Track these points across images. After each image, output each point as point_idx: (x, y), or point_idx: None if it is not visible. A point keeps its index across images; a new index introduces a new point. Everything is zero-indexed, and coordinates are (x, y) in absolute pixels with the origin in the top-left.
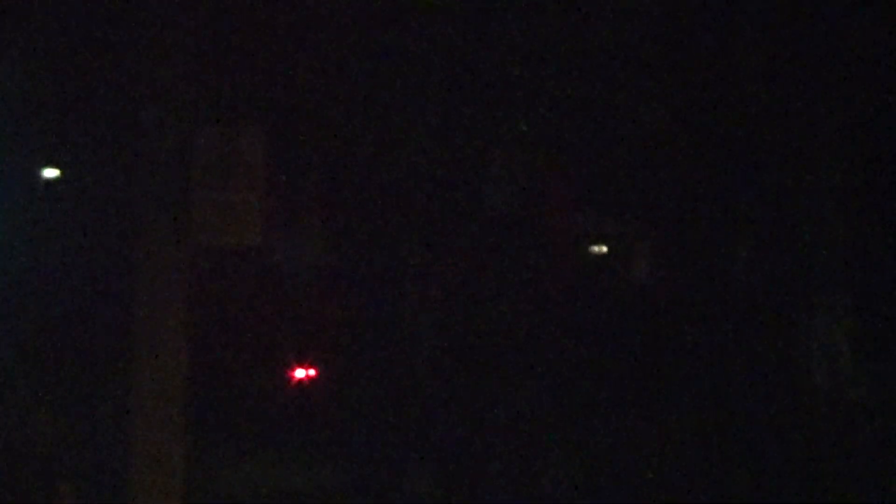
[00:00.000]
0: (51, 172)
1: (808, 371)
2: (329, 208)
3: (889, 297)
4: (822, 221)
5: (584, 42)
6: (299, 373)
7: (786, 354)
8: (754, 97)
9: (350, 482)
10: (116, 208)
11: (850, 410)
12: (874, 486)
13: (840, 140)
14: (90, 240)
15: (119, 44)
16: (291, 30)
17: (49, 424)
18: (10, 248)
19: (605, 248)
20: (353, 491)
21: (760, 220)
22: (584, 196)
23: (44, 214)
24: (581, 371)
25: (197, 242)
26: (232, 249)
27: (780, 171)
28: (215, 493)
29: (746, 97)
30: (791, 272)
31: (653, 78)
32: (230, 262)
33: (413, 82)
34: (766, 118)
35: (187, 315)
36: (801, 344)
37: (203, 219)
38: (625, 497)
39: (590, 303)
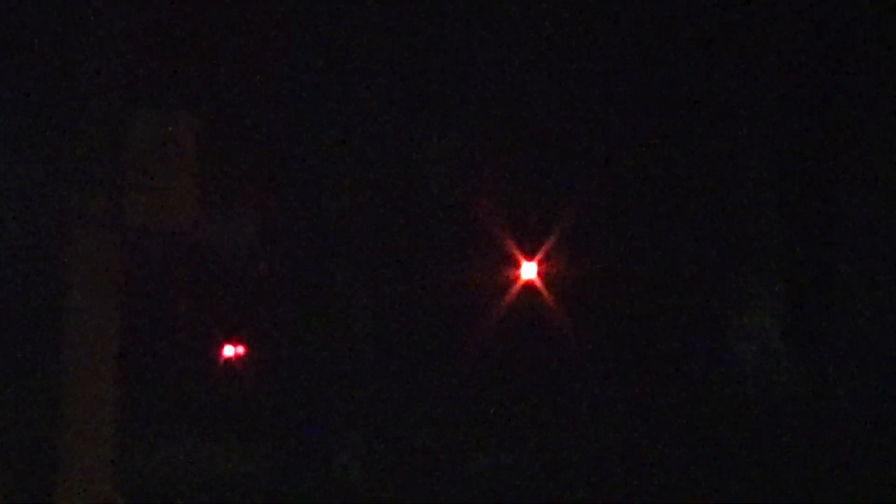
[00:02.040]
0: None
1: (738, 358)
2: (262, 188)
3: (818, 282)
4: (751, 208)
5: (525, 27)
6: (228, 351)
7: (716, 341)
8: (685, 85)
9: (278, 460)
10: (50, 190)
11: (780, 396)
12: (804, 469)
13: (770, 127)
14: (22, 220)
15: (51, 26)
16: (225, 11)
17: None
18: None
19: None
20: (281, 468)
21: (690, 207)
22: (522, 185)
23: None
24: (513, 355)
25: (129, 223)
26: (164, 230)
27: (711, 158)
28: (145, 470)
29: (679, 84)
30: (721, 259)
31: (588, 64)
32: (162, 242)
33: (351, 66)
34: (697, 106)
35: (119, 294)
36: (731, 330)
37: (136, 199)
38: (552, 479)
39: (524, 286)
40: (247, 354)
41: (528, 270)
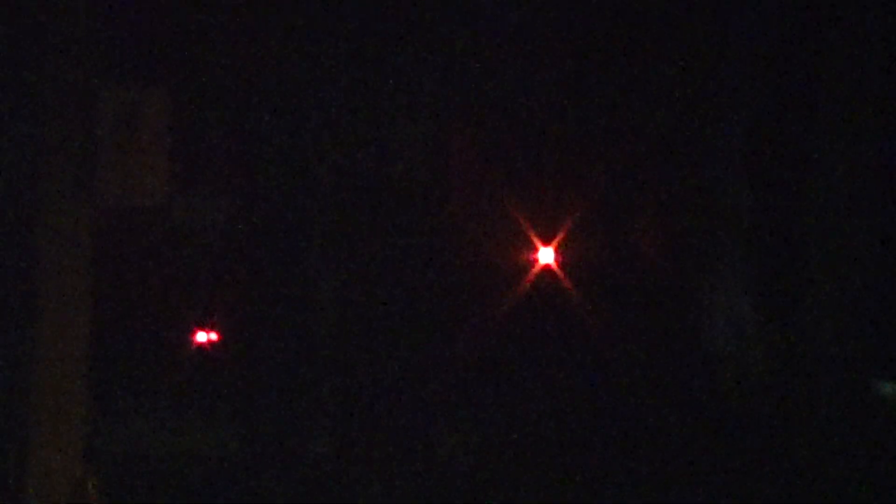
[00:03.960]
0: None
1: (710, 335)
2: (237, 169)
3: (791, 260)
4: (723, 187)
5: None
6: (201, 336)
7: (688, 319)
8: (656, 68)
9: (249, 443)
10: (19, 169)
11: (753, 374)
12: (776, 449)
13: (742, 106)
14: None
15: (21, 2)
16: None
17: None
18: None
19: (509, 221)
20: (252, 451)
21: (662, 187)
22: (490, 166)
23: None
24: (483, 338)
25: (101, 202)
26: (136, 210)
27: (683, 137)
28: (116, 450)
29: (648, 67)
30: (692, 238)
31: (556, 48)
32: (134, 223)
33: (322, 44)
34: (669, 89)
35: (91, 275)
36: (703, 308)
37: (108, 179)
38: (519, 459)
39: (492, 271)
40: (220, 341)
41: (546, 255)
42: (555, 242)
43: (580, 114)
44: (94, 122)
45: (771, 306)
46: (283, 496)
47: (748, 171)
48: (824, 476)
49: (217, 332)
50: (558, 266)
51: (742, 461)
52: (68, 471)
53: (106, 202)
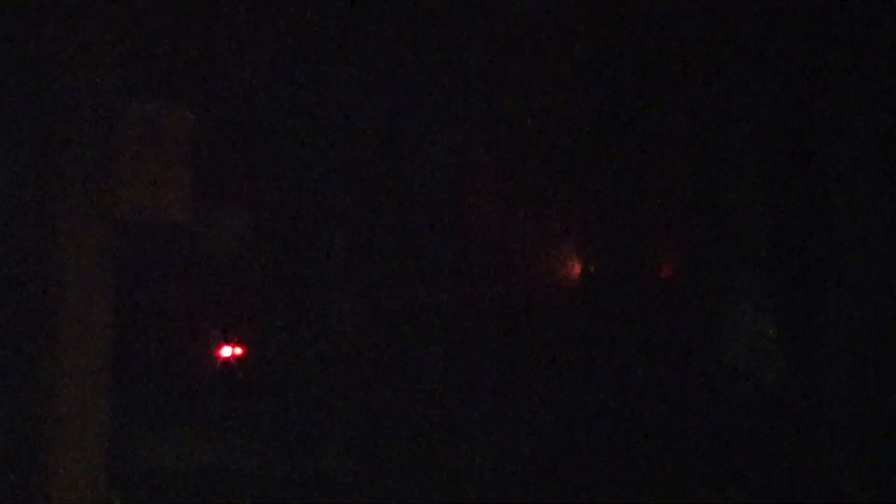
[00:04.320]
0: None
1: (731, 356)
2: (257, 184)
3: (812, 281)
4: (744, 204)
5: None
6: (225, 351)
7: (708, 339)
8: (674, 83)
9: (272, 459)
10: (41, 185)
11: (772, 396)
12: (794, 471)
13: (760, 122)
14: (13, 216)
15: (44, 18)
16: (221, 3)
17: None
18: None
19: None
20: (276, 468)
21: (682, 202)
22: (515, 186)
23: None
24: (502, 355)
25: (123, 218)
26: (159, 225)
27: (702, 153)
28: (140, 470)
29: (666, 84)
30: (713, 256)
31: (579, 67)
32: (157, 238)
33: (345, 61)
34: (687, 102)
35: (113, 290)
36: (724, 329)
37: (129, 194)
38: (540, 481)
39: (514, 289)
40: (244, 355)
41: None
42: (578, 255)
43: (601, 127)
44: (116, 136)
45: (788, 323)
46: None
47: (766, 187)
48: (841, 493)
49: (242, 347)
50: (580, 279)
51: (758, 478)
52: (92, 489)
53: (128, 216)
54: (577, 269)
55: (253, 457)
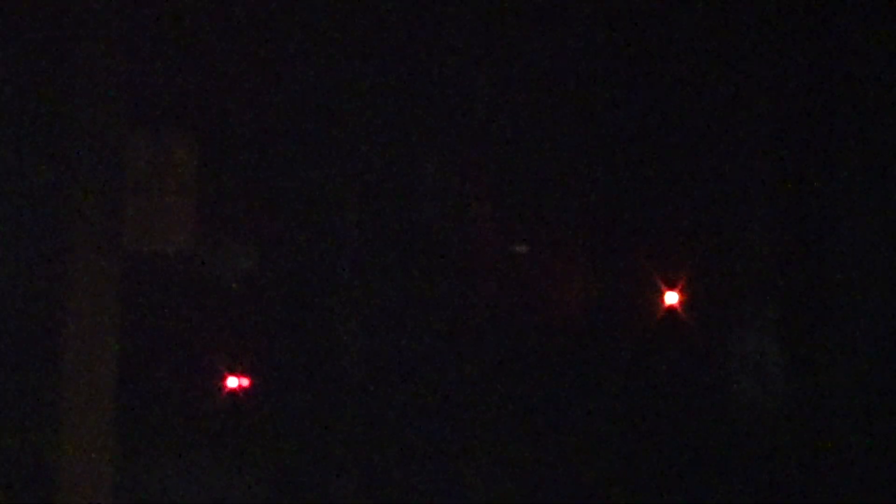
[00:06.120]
0: None
1: (738, 382)
2: (262, 215)
3: (819, 306)
4: (751, 230)
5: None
6: (231, 382)
7: (715, 365)
8: (685, 108)
9: (279, 490)
10: (47, 212)
11: (780, 421)
12: (802, 494)
13: (767, 148)
14: (17, 245)
15: (48, 45)
16: (227, 32)
17: None
18: None
19: (535, 262)
20: (281, 498)
21: (689, 226)
22: (517, 208)
23: None
24: (514, 382)
25: (129, 248)
26: (164, 255)
27: (708, 179)
28: (146, 500)
29: (678, 109)
30: (720, 280)
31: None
32: (162, 268)
33: (349, 89)
34: (697, 129)
35: (119, 320)
36: (731, 354)
37: (135, 224)
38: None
39: (522, 317)
40: (250, 386)
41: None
42: (582, 280)
43: (609, 149)
44: (122, 167)
45: (794, 348)
46: None
47: (772, 211)
48: None
49: (248, 377)
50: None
51: (765, 501)
52: None
53: (134, 245)
54: (581, 294)
55: (260, 487)
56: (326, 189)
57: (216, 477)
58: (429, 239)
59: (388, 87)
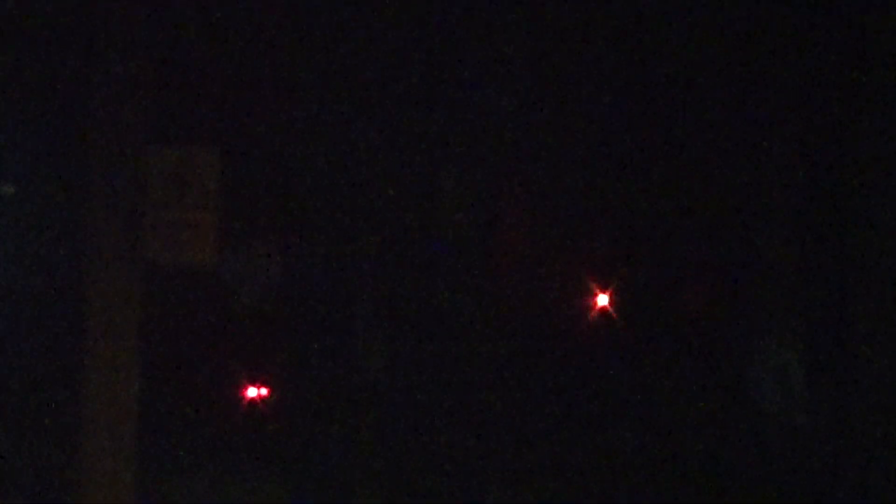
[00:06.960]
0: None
1: (759, 396)
2: (283, 227)
3: (840, 320)
4: (772, 244)
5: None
6: (251, 392)
7: (736, 378)
8: (699, 115)
9: (298, 499)
10: (69, 226)
11: (801, 435)
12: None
13: (789, 159)
14: (42, 258)
15: (73, 59)
16: (248, 47)
17: None
18: None
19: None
20: None
21: (709, 240)
22: (543, 215)
23: None
24: (535, 390)
25: (150, 261)
26: (185, 268)
27: (729, 189)
28: None
29: (692, 115)
30: (741, 295)
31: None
32: (183, 281)
33: (368, 101)
34: (715, 142)
35: (139, 333)
36: (752, 368)
37: (156, 237)
38: None
39: (544, 324)
40: (269, 396)
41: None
42: (604, 290)
43: (630, 161)
44: (143, 180)
45: (819, 361)
46: None
47: (795, 221)
48: None
49: (267, 388)
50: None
51: None
52: None
53: (155, 260)
54: (603, 304)
55: (279, 497)
56: (347, 203)
57: (236, 485)
58: (452, 256)
59: (408, 102)
